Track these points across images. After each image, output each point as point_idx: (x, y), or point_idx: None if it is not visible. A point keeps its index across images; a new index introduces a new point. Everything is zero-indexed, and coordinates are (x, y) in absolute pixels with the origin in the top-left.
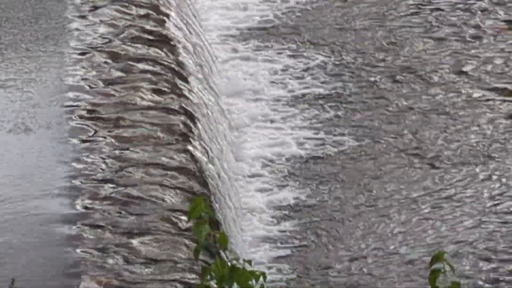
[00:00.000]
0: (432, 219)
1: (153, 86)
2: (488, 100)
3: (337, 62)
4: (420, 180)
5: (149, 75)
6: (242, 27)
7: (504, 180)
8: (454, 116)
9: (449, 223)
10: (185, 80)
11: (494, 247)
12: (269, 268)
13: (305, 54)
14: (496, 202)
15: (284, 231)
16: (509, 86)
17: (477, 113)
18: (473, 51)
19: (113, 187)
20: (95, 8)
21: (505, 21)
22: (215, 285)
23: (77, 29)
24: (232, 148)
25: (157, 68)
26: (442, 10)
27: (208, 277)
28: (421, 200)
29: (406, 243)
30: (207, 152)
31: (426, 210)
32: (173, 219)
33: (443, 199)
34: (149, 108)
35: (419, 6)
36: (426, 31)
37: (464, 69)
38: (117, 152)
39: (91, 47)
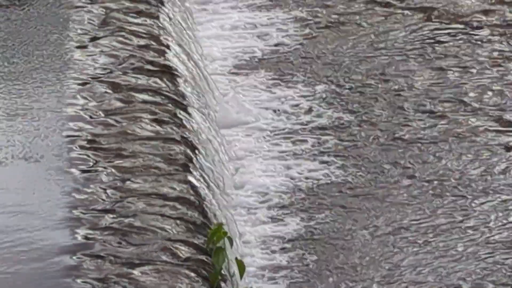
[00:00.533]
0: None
1: (154, 116)
2: (488, 130)
3: (334, 94)
4: (418, 210)
5: (149, 106)
6: (243, 59)
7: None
8: (455, 147)
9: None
10: (185, 110)
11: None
12: None
13: (303, 86)
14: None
15: (284, 263)
16: (508, 116)
17: (478, 143)
18: (473, 81)
19: (114, 217)
20: (96, 38)
21: (505, 51)
22: None
23: (77, 60)
24: (231, 178)
25: (158, 99)
26: (442, 41)
27: None
28: (414, 228)
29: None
30: (207, 182)
31: (418, 239)
32: (174, 249)
33: (438, 227)
34: (150, 138)
35: (419, 36)
36: (426, 62)
37: (465, 99)
38: (117, 182)
39: (91, 78)
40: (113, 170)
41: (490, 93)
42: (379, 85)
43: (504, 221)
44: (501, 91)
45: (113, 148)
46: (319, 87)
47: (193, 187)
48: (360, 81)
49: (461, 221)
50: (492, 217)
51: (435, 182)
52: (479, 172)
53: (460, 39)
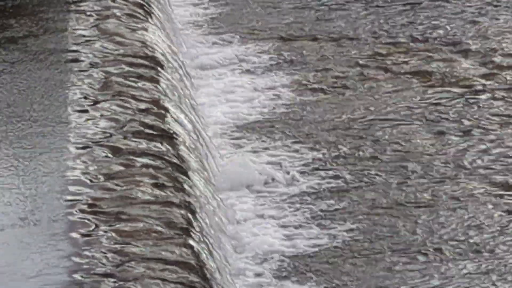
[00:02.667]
0: None
1: (154, 181)
2: (488, 194)
3: (334, 159)
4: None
5: (149, 170)
6: (243, 123)
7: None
8: (455, 211)
9: None
10: (186, 174)
11: None
12: None
13: (303, 151)
14: None
15: None
16: (510, 180)
17: (478, 208)
18: (473, 145)
19: (114, 282)
20: (96, 102)
21: (505, 115)
22: None
23: (77, 124)
24: (231, 242)
25: (158, 163)
26: (442, 105)
27: None
28: None
29: None
30: (207, 246)
31: None
32: None
33: None
34: (150, 202)
35: (418, 100)
36: (425, 126)
37: (464, 162)
38: (118, 246)
39: (91, 142)
40: (113, 234)
41: (492, 157)
42: (377, 148)
43: None
44: (502, 154)
45: (114, 212)
46: (318, 151)
47: (194, 251)
48: (357, 145)
49: None
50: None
51: (434, 247)
52: (484, 236)
53: (460, 103)
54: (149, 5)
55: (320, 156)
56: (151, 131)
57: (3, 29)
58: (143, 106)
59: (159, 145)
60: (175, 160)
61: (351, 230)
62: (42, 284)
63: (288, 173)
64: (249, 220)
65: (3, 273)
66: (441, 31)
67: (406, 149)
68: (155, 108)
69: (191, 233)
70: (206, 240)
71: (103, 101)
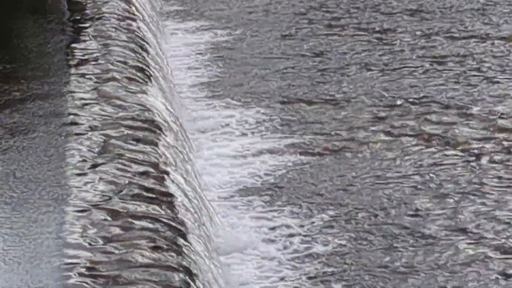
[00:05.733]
0: None
1: (153, 244)
2: (486, 257)
3: (332, 223)
4: None
5: (148, 233)
6: (242, 187)
7: None
8: (452, 275)
9: None
10: (184, 237)
11: None
12: None
13: (305, 213)
14: None
15: None
16: (508, 243)
17: (475, 272)
18: (473, 208)
19: None
20: (95, 165)
21: (506, 178)
22: None
23: (76, 187)
24: None
25: (157, 226)
26: (442, 168)
27: None
28: None
29: None
30: None
31: None
32: None
33: None
34: (149, 265)
35: (418, 162)
36: (425, 188)
37: (465, 226)
38: None
39: (90, 205)
40: None
41: (491, 220)
42: (377, 212)
43: None
44: (502, 219)
45: (113, 275)
46: (317, 216)
47: None
48: (357, 208)
49: None
50: None
51: None
52: None
53: (460, 165)
54: (149, 69)
55: (319, 219)
56: (150, 194)
57: (3, 92)
58: (142, 169)
59: (158, 208)
60: (174, 223)
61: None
62: None
63: (287, 236)
64: (249, 284)
65: None
66: (440, 94)
67: (407, 211)
68: (154, 171)
69: None
70: None
71: (102, 164)
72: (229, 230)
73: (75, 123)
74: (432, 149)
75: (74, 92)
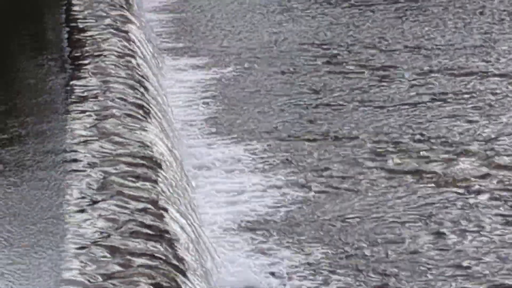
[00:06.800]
0: None
1: (152, 281)
2: None
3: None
4: None
5: (148, 270)
6: (241, 224)
7: None
8: None
9: None
10: (184, 274)
11: None
12: None
13: (304, 249)
14: None
15: None
16: (507, 281)
17: None
18: (473, 246)
19: None
20: (94, 202)
21: (505, 215)
22: None
23: (75, 223)
24: None
25: (156, 263)
26: (440, 206)
27: None
28: None
29: None
30: None
31: None
32: None
33: None
34: None
35: (416, 200)
36: (424, 226)
37: (464, 263)
38: None
39: (89, 241)
40: None
41: (491, 257)
42: (374, 249)
43: None
44: (501, 255)
45: None
46: (316, 252)
47: None
48: (355, 245)
49: None
50: None
51: None
52: None
53: (459, 203)
54: (148, 105)
55: (317, 258)
56: (149, 231)
57: (2, 129)
58: (141, 206)
59: (157, 245)
60: (173, 261)
61: None
62: None
63: (284, 275)
64: None
65: None
66: (439, 131)
67: (405, 249)
68: (153, 208)
69: None
70: None
71: (101, 201)
72: (227, 267)
73: (75, 160)
74: (431, 186)
75: (74, 129)
